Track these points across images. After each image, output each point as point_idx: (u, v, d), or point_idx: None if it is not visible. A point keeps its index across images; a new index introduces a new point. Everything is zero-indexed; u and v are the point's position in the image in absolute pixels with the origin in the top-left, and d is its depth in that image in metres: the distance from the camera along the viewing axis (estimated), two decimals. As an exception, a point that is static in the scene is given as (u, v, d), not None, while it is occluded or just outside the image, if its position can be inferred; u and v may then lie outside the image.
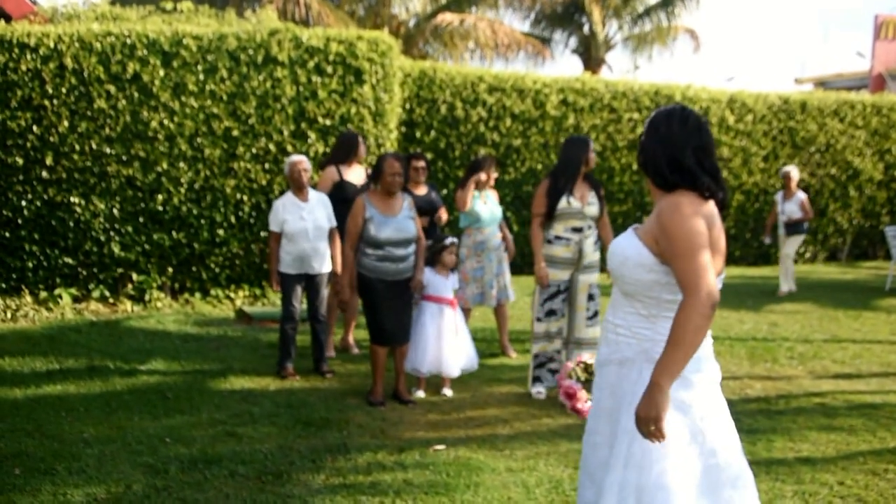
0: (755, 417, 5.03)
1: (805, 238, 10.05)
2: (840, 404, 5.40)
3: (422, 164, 6.54)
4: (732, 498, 2.38)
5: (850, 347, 7.13)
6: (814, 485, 3.98)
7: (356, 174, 6.46)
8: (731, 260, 11.60)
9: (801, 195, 9.81)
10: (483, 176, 6.49)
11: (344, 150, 6.49)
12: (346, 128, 8.53)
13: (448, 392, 5.56)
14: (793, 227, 9.78)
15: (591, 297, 5.38)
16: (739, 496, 2.40)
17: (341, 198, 6.13)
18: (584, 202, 5.31)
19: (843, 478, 4.07)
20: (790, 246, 9.87)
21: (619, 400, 2.44)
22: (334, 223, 5.95)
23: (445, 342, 5.48)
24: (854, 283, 11.27)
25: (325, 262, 5.91)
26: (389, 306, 5.21)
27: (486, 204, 6.51)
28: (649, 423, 2.23)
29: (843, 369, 6.39)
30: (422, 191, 6.52)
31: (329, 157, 6.65)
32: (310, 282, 5.91)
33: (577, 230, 5.32)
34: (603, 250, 5.48)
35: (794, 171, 9.81)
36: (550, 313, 5.38)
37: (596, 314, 5.40)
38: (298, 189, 5.85)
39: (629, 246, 2.42)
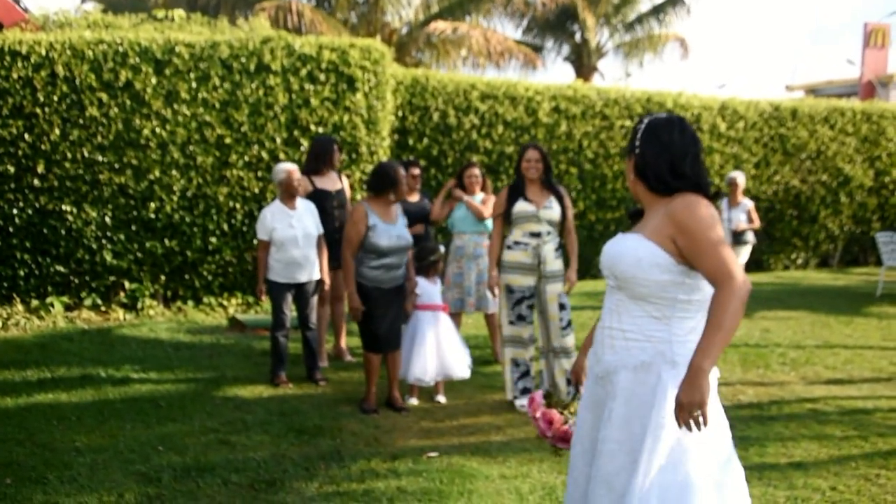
0: (748, 423, 5.04)
1: (752, 247, 9.69)
2: (832, 410, 5.42)
3: (416, 171, 6.56)
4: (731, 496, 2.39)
5: (842, 353, 7.16)
6: (806, 490, 3.99)
7: (330, 181, 6.36)
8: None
9: (749, 203, 9.43)
10: (451, 183, 6.51)
11: (320, 159, 6.33)
12: (338, 136, 8.54)
13: (442, 398, 5.56)
14: (739, 237, 9.36)
15: (562, 307, 5.40)
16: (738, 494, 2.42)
17: (318, 208, 6.06)
18: (539, 206, 5.35)
19: (835, 483, 4.08)
20: (740, 257, 9.37)
21: (636, 405, 2.41)
22: (321, 230, 5.95)
23: (446, 347, 5.50)
24: (845, 289, 11.32)
25: (314, 270, 5.91)
26: (384, 314, 5.21)
27: (467, 210, 6.49)
28: (693, 409, 2.23)
29: (835, 375, 6.42)
30: (415, 198, 6.53)
31: (304, 167, 6.49)
32: (299, 290, 5.90)
33: (536, 235, 5.35)
34: (565, 257, 5.53)
35: (740, 178, 9.43)
36: (520, 318, 5.40)
37: (570, 323, 5.42)
38: (290, 197, 5.84)
39: (641, 247, 2.43)
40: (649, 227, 2.46)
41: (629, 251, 2.45)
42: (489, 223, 6.62)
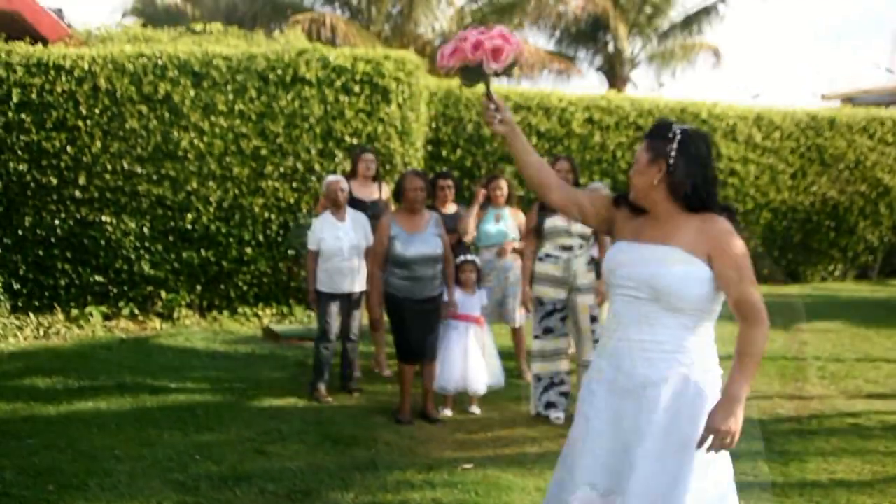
0: (787, 437, 4.95)
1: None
2: (874, 425, 5.31)
3: (449, 182, 6.55)
4: None
5: (884, 367, 7.02)
6: (849, 507, 3.91)
7: (367, 190, 6.43)
8: (759, 279, 11.40)
9: None
10: (480, 195, 6.44)
11: (352, 169, 6.62)
12: (372, 146, 8.58)
13: (476, 410, 5.55)
14: None
15: (593, 319, 5.39)
16: None
17: None
18: (568, 220, 5.35)
19: (879, 500, 4.00)
20: None
21: (677, 416, 2.41)
22: (371, 241, 5.92)
23: (471, 360, 5.49)
24: (886, 301, 11.10)
25: (359, 282, 5.91)
26: (417, 325, 5.22)
27: (497, 223, 6.41)
28: (728, 436, 2.33)
29: (876, 389, 6.29)
30: (450, 209, 6.52)
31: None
32: (344, 301, 5.91)
33: (567, 248, 5.38)
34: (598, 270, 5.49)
35: None
36: (548, 331, 5.39)
37: None
38: (336, 207, 5.89)
39: (685, 262, 2.41)
40: (684, 241, 2.43)
41: (673, 265, 2.42)
42: (513, 234, 6.49)
